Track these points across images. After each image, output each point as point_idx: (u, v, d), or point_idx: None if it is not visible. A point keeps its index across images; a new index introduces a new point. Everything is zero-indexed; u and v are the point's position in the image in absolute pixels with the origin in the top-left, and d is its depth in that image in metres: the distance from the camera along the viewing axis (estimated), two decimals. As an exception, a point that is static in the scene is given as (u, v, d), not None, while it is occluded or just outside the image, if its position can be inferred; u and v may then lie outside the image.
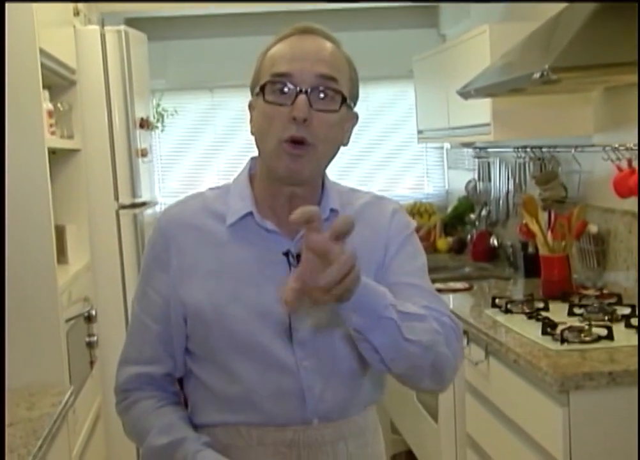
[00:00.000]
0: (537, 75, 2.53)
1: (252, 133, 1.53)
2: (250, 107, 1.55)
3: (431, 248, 5.01)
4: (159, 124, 5.15)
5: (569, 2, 2.94)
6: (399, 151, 5.61)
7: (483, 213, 4.80)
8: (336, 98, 1.47)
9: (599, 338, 2.64)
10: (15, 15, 2.45)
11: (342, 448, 1.55)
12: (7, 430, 2.10)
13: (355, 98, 1.55)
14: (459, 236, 5.03)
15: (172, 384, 1.63)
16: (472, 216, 4.94)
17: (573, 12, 2.85)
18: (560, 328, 2.70)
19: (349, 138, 1.57)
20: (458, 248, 4.94)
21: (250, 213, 1.53)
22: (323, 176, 1.59)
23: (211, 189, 1.64)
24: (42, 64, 2.59)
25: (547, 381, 2.40)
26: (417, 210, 5.37)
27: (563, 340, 2.62)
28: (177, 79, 5.30)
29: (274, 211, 1.54)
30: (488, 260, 4.52)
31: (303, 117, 1.43)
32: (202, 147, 5.33)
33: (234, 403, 1.53)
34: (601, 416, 2.35)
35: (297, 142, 1.45)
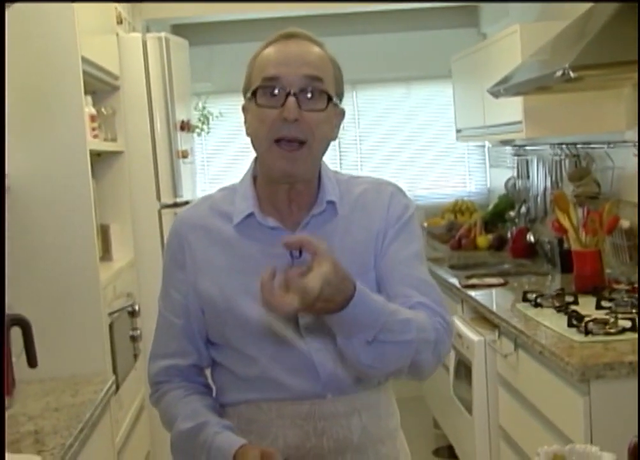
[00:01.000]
0: (559, 74, 2.60)
1: (247, 135, 1.63)
2: (244, 110, 1.64)
3: (471, 245, 5.08)
4: (204, 127, 5.30)
5: (595, 2, 3.00)
6: (442, 150, 5.67)
7: (523, 210, 4.84)
8: (322, 97, 1.56)
9: (623, 330, 2.69)
10: (57, 24, 2.60)
11: (355, 421, 1.64)
12: (53, 415, 2.24)
13: (340, 95, 1.64)
14: (499, 233, 5.08)
15: (199, 375, 1.74)
16: (512, 213, 4.99)
17: (599, 11, 2.91)
18: (586, 320, 2.76)
19: (337, 133, 1.66)
20: (498, 245, 4.99)
21: (252, 213, 1.63)
22: (320, 169, 1.68)
23: (220, 190, 1.75)
24: (85, 71, 2.73)
25: (568, 371, 2.46)
26: (458, 208, 5.43)
27: (587, 332, 2.68)
28: (222, 82, 5.43)
29: (275, 207, 1.65)
30: (527, 256, 4.57)
31: (293, 117, 1.53)
32: (247, 149, 5.44)
33: (253, 382, 1.64)
34: (621, 405, 2.40)
35: (290, 141, 1.54)
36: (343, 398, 1.64)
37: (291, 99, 1.52)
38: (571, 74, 2.54)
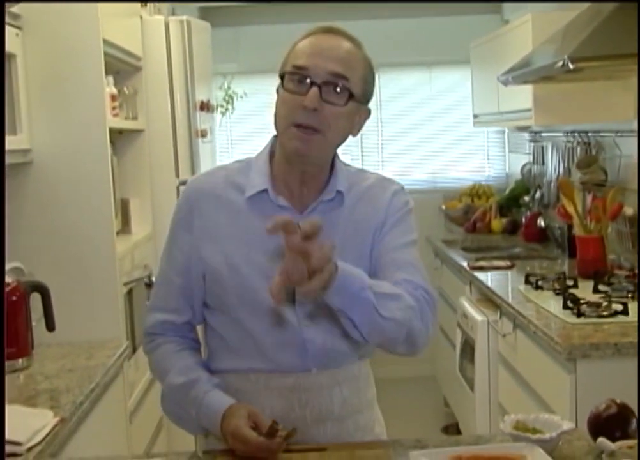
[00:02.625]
0: (559, 64, 2.69)
1: (274, 115, 1.73)
2: (277, 91, 1.73)
3: (485, 229, 5.18)
4: (229, 106, 5.43)
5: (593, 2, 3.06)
6: (462, 135, 5.75)
7: (537, 195, 4.93)
8: (345, 93, 1.66)
9: (615, 313, 2.80)
10: (80, 7, 2.73)
11: (337, 392, 1.76)
12: (67, 375, 2.41)
13: (368, 96, 1.73)
14: (513, 217, 5.18)
15: (191, 331, 1.85)
16: (527, 198, 5.08)
17: (604, 4, 2.99)
18: (580, 303, 2.87)
19: (359, 130, 1.76)
20: (512, 229, 5.09)
21: (266, 190, 1.74)
22: (334, 159, 1.78)
23: (235, 162, 1.85)
24: (107, 53, 2.87)
25: (557, 350, 2.58)
26: (475, 192, 5.53)
27: (580, 314, 2.79)
28: (246, 63, 5.56)
29: (287, 186, 1.75)
30: (539, 241, 4.67)
31: (313, 106, 1.63)
32: (270, 129, 5.58)
33: (244, 351, 1.76)
34: (605, 384, 2.51)
35: (306, 127, 1.65)
36: (327, 372, 1.75)
37: (314, 89, 1.62)
38: (570, 65, 2.63)
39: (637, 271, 3.44)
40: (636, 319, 2.75)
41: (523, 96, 3.77)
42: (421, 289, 1.70)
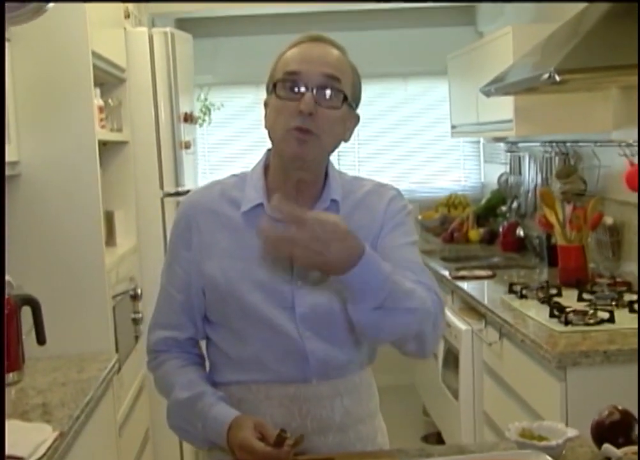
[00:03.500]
0: (545, 76, 2.73)
1: (266, 127, 1.73)
2: (265, 105, 1.75)
3: (463, 239, 5.22)
4: (206, 118, 5.44)
5: (591, 2, 3.10)
6: (436, 146, 5.80)
7: (514, 205, 4.98)
8: (339, 96, 1.68)
9: (602, 321, 2.84)
10: (69, 18, 2.72)
11: (338, 403, 1.77)
12: (61, 389, 2.39)
13: (357, 101, 1.76)
14: (491, 227, 5.23)
15: (194, 347, 1.86)
16: (504, 208, 5.13)
17: (588, 15, 3.04)
18: (566, 311, 2.90)
19: (350, 135, 1.77)
20: (489, 238, 5.13)
21: (261, 203, 1.74)
22: (327, 166, 1.79)
23: (231, 176, 1.84)
24: (94, 64, 2.86)
25: (547, 358, 2.61)
26: (452, 202, 5.57)
27: (567, 322, 2.83)
28: (224, 74, 5.57)
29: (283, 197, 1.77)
30: (517, 250, 4.72)
31: (309, 111, 1.64)
32: (247, 140, 5.61)
33: (245, 364, 1.76)
34: (595, 391, 2.55)
35: (303, 131, 1.65)
36: (327, 382, 1.76)
37: (309, 94, 1.63)
38: (557, 77, 2.67)
39: (618, 279, 3.49)
40: (623, 326, 2.80)
41: (504, 107, 3.81)
42: (432, 291, 1.70)
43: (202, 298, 1.78)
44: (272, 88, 1.69)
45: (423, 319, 1.64)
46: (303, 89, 1.64)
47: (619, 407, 1.73)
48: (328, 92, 1.66)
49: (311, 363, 1.74)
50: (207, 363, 1.88)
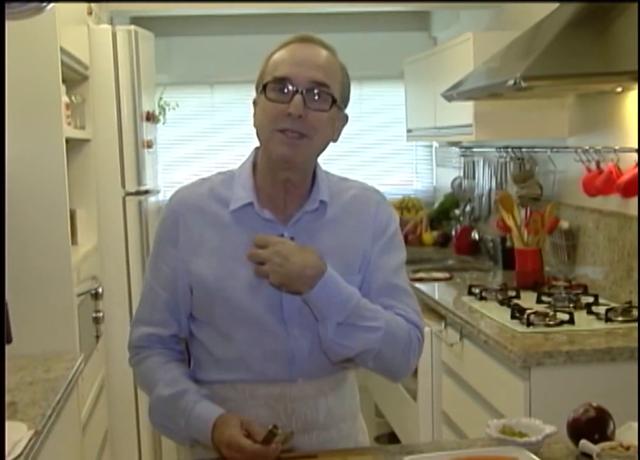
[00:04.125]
0: (511, 83, 2.78)
1: (254, 126, 1.76)
2: (254, 103, 1.77)
3: (417, 242, 5.28)
4: (161, 117, 5.40)
5: (560, 2, 3.16)
6: (389, 149, 5.86)
7: (467, 209, 5.06)
8: (327, 99, 1.70)
9: (562, 322, 2.91)
10: (39, 15, 2.69)
11: (322, 402, 1.79)
12: (29, 388, 2.36)
13: (346, 101, 1.78)
14: (444, 230, 5.30)
15: (177, 344, 1.86)
16: (457, 211, 5.21)
17: (549, 23, 3.11)
18: (527, 312, 2.97)
19: (338, 135, 1.79)
20: (443, 241, 5.21)
21: (251, 203, 1.76)
22: (315, 167, 1.81)
23: (218, 174, 1.85)
24: (61, 61, 2.83)
25: (511, 359, 2.66)
26: (405, 205, 5.63)
27: (529, 324, 2.89)
28: (179, 74, 5.54)
29: (271, 199, 1.77)
30: (471, 253, 4.79)
31: (298, 113, 1.66)
32: (201, 140, 5.60)
33: (230, 363, 1.77)
34: (558, 390, 2.61)
35: (292, 132, 1.67)
36: (312, 382, 1.78)
37: (298, 97, 1.66)
38: (522, 83, 2.73)
39: (572, 282, 3.57)
40: (582, 328, 2.87)
41: (463, 112, 3.87)
42: (414, 327, 1.78)
43: (188, 296, 1.78)
44: (262, 89, 1.70)
45: (388, 342, 1.71)
46: (292, 92, 1.67)
47: (594, 405, 1.78)
48: (317, 95, 1.68)
49: (297, 362, 1.76)
50: (191, 361, 1.88)
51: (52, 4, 1.65)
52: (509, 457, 1.61)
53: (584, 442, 1.69)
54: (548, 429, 1.72)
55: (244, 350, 1.75)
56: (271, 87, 1.69)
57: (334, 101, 1.70)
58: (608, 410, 1.77)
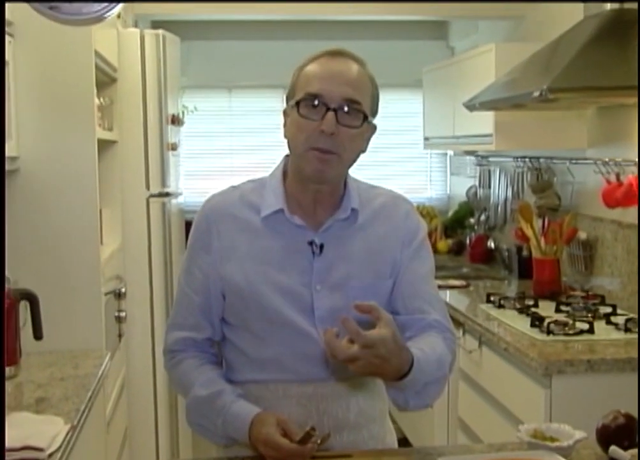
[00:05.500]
0: (536, 94, 2.83)
1: (285, 136, 1.80)
2: (285, 114, 1.80)
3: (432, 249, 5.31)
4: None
5: (588, 2, 3.19)
6: (404, 156, 5.90)
7: (482, 217, 5.10)
8: (359, 116, 1.73)
9: (581, 331, 2.95)
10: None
11: (353, 402, 1.83)
12: (60, 384, 2.41)
13: (375, 112, 1.81)
14: (458, 238, 5.33)
15: (211, 347, 1.90)
16: (472, 220, 5.25)
17: (573, 36, 3.15)
18: (547, 321, 3.01)
19: (367, 145, 1.83)
20: (457, 249, 5.24)
21: (282, 209, 1.80)
22: (346, 177, 1.85)
23: (249, 181, 1.90)
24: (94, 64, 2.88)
25: (532, 366, 2.70)
26: (419, 213, 5.64)
27: (549, 332, 2.93)
28: (197, 78, 5.59)
29: (301, 206, 1.81)
30: (485, 262, 4.83)
31: (330, 131, 1.70)
32: (219, 143, 5.64)
33: (264, 364, 1.81)
34: (579, 398, 2.65)
35: (324, 151, 1.72)
36: (344, 382, 1.82)
37: (330, 114, 1.69)
38: (549, 95, 2.77)
39: (590, 292, 3.61)
40: (601, 337, 2.91)
41: (483, 121, 3.91)
42: (448, 332, 1.84)
43: (220, 300, 1.83)
44: (294, 105, 1.73)
45: (444, 377, 1.78)
46: (324, 109, 1.70)
47: (622, 412, 1.81)
48: (349, 112, 1.71)
49: (330, 363, 1.79)
50: (223, 363, 1.92)
51: (117, 9, 1.66)
52: (542, 461, 1.64)
53: (614, 448, 1.72)
54: (579, 434, 1.76)
55: (277, 351, 1.79)
56: (304, 104, 1.72)
57: (365, 117, 1.73)
58: (635, 417, 1.81)
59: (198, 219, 1.86)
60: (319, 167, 1.73)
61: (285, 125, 1.80)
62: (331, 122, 1.69)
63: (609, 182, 3.43)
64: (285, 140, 1.80)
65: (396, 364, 1.59)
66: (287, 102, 1.80)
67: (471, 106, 3.62)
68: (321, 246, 1.78)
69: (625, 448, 1.73)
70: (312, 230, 1.80)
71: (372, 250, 1.82)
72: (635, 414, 1.83)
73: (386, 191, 1.93)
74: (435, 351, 1.73)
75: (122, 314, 3.33)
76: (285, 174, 1.85)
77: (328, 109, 1.69)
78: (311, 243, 1.79)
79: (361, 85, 1.74)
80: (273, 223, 1.80)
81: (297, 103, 1.72)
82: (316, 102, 1.70)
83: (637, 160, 3.15)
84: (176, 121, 3.80)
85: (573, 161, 3.83)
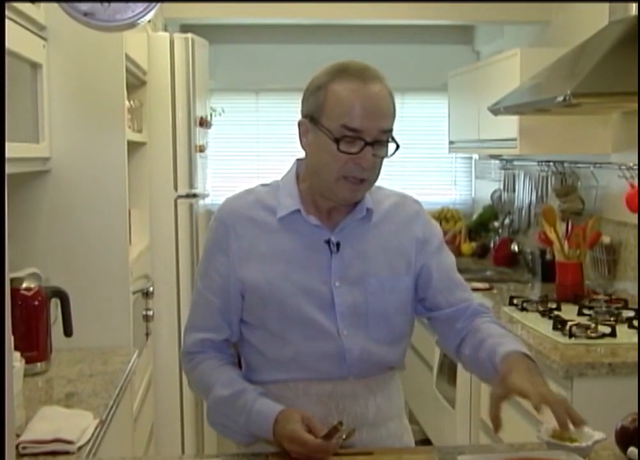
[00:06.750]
0: (560, 99, 2.85)
1: (308, 158, 1.83)
2: (301, 126, 1.81)
3: (455, 252, 5.31)
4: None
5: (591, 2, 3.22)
6: (429, 159, 5.93)
7: (506, 221, 5.12)
8: (389, 143, 1.79)
9: (603, 335, 2.96)
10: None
11: (371, 400, 1.87)
12: (89, 379, 2.47)
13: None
14: (482, 241, 5.36)
15: (230, 348, 1.93)
16: (496, 223, 5.27)
17: (598, 41, 3.17)
18: (569, 324, 3.03)
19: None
20: (481, 253, 5.26)
21: (298, 210, 1.85)
22: None
23: (261, 185, 1.94)
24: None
25: (554, 369, 2.72)
26: (444, 216, 5.69)
27: (571, 335, 2.95)
28: (225, 81, 5.65)
29: (316, 207, 1.86)
30: (509, 265, 4.85)
31: (368, 166, 1.76)
32: (246, 145, 5.71)
33: (283, 364, 1.85)
34: (600, 401, 2.66)
35: (359, 180, 1.77)
36: (362, 380, 1.86)
37: (368, 149, 1.73)
38: (572, 100, 2.79)
39: (613, 296, 3.62)
40: (624, 341, 2.92)
41: (507, 125, 3.94)
42: (489, 311, 1.98)
43: (239, 302, 1.86)
44: (333, 141, 1.73)
45: None
46: (361, 145, 1.73)
47: (641, 414, 1.84)
48: (384, 145, 1.77)
49: (349, 361, 1.83)
50: (242, 364, 1.95)
51: (150, 15, 1.71)
52: (560, 460, 1.67)
53: (632, 449, 1.75)
54: (597, 435, 1.78)
55: (297, 350, 1.83)
56: (343, 141, 1.74)
57: (397, 146, 1.78)
58: (654, 419, 1.83)
59: (215, 222, 1.90)
60: (351, 195, 1.80)
61: (303, 139, 1.82)
62: (369, 158, 1.74)
63: (632, 186, 3.45)
64: (305, 153, 1.84)
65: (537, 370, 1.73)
66: (308, 117, 1.80)
67: (495, 110, 3.65)
68: (338, 244, 1.83)
69: (643, 449, 1.75)
70: (327, 229, 1.85)
71: (386, 247, 1.88)
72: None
73: (394, 192, 1.98)
74: (511, 336, 1.88)
75: (150, 313, 3.38)
76: (298, 176, 1.89)
77: (366, 144, 1.73)
78: (328, 242, 1.84)
79: (391, 111, 1.78)
80: (290, 224, 1.84)
81: (337, 140, 1.74)
82: (355, 137, 1.73)
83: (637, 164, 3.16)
84: (204, 123, 3.86)
85: (597, 166, 3.85)
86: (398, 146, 1.78)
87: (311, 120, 1.79)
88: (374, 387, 1.88)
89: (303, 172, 1.88)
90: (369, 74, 1.77)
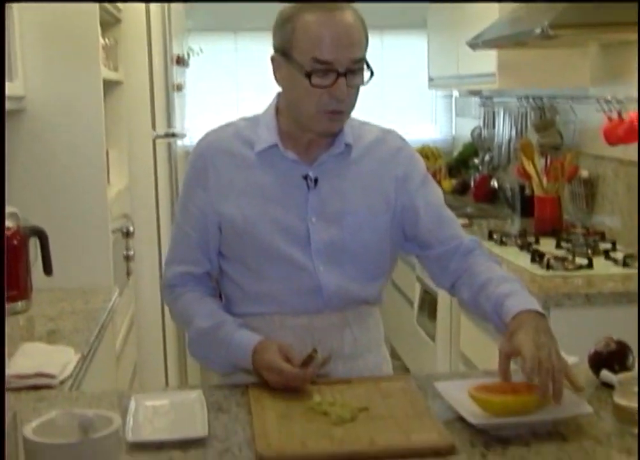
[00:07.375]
0: (537, 31, 2.84)
1: (286, 94, 1.81)
2: (274, 61, 1.79)
3: (435, 189, 5.35)
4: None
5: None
6: (409, 97, 5.90)
7: (486, 158, 5.13)
8: (363, 71, 1.76)
9: (580, 267, 3.00)
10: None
11: (347, 332, 1.90)
12: (71, 316, 2.48)
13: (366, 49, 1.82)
14: (463, 178, 5.37)
15: (210, 281, 1.95)
16: (476, 160, 5.28)
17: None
18: (547, 257, 3.06)
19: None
20: (462, 189, 5.28)
21: (276, 145, 1.84)
22: None
23: (242, 119, 1.93)
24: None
25: (531, 300, 2.75)
26: (424, 153, 5.68)
27: (549, 267, 2.99)
28: (203, 21, 5.57)
29: (295, 141, 1.85)
30: (489, 201, 4.87)
31: (344, 97, 1.74)
32: (225, 87, 5.65)
33: (260, 298, 1.87)
34: (576, 331, 2.69)
35: (335, 112, 1.76)
36: (338, 313, 1.88)
37: (342, 80, 1.71)
38: (550, 32, 2.78)
39: (590, 229, 3.66)
40: (600, 272, 2.97)
41: (486, 60, 3.91)
42: (481, 245, 1.95)
43: (217, 235, 1.87)
44: (305, 75, 1.72)
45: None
46: (334, 76, 1.71)
47: (615, 339, 1.87)
48: (358, 73, 1.74)
49: (324, 296, 1.85)
50: (222, 297, 1.97)
51: None
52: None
53: (605, 372, 1.79)
54: (571, 359, 1.82)
55: (273, 285, 1.85)
56: (315, 75, 1.72)
57: (372, 73, 1.76)
58: (628, 343, 1.87)
59: (194, 157, 1.90)
60: (330, 126, 1.79)
61: (277, 74, 1.80)
62: (343, 88, 1.72)
63: (610, 119, 3.45)
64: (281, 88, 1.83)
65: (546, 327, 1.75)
66: (279, 51, 1.78)
67: (474, 45, 3.63)
68: (315, 180, 1.83)
69: (616, 373, 1.79)
70: (306, 164, 1.84)
71: (365, 186, 1.87)
72: (630, 344, 1.89)
73: (378, 128, 1.96)
74: (510, 279, 1.89)
75: (131, 253, 3.38)
76: (277, 110, 1.88)
77: (339, 75, 1.71)
78: (305, 177, 1.84)
79: (361, 38, 1.76)
80: (268, 158, 1.84)
81: (308, 74, 1.72)
82: (327, 69, 1.71)
83: (637, 96, 3.16)
84: (181, 61, 3.82)
85: (576, 100, 3.85)
86: (372, 73, 1.76)
87: (282, 54, 1.77)
88: (350, 320, 1.90)
89: (282, 105, 1.87)
90: (336, 2, 1.75)
